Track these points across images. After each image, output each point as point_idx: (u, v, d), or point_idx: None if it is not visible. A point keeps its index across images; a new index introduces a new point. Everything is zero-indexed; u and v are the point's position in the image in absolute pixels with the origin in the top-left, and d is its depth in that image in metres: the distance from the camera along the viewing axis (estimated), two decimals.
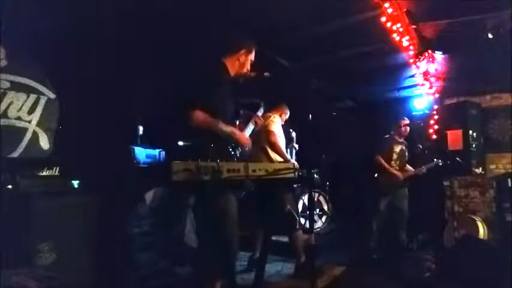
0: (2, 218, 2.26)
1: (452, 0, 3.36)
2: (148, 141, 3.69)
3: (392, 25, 3.59)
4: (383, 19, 3.52)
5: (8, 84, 2.93)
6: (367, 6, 3.39)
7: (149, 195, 3.34)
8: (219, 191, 2.12)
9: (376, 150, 4.59)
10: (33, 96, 3.09)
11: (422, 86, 5.14)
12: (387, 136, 4.73)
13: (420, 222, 4.76)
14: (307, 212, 4.87)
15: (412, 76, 5.26)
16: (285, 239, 3.84)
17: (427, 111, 5.52)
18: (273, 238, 3.69)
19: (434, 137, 5.17)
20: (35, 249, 2.47)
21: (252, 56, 2.61)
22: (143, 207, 3.29)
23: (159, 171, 3.44)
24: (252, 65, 2.63)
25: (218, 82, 2.38)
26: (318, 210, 5.53)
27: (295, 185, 4.58)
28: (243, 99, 2.78)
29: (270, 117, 3.78)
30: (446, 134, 5.01)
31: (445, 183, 5.08)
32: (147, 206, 3.32)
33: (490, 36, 3.82)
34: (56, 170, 2.84)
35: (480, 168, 4.97)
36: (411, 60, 4.60)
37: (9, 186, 2.56)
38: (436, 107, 5.24)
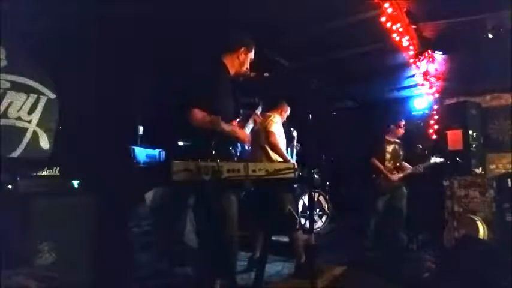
0: (2, 218, 2.26)
1: (452, 0, 3.36)
2: (148, 141, 3.69)
3: (392, 25, 3.60)
4: (383, 19, 3.52)
5: (8, 84, 2.93)
6: (367, 6, 3.40)
7: (149, 195, 3.33)
8: (219, 191, 2.11)
9: (369, 152, 4.60)
10: (33, 96, 3.09)
11: (422, 86, 5.15)
12: (377, 136, 4.71)
13: (420, 222, 4.76)
14: (307, 212, 4.86)
15: (412, 76, 5.28)
16: (285, 239, 3.83)
17: (427, 111, 5.53)
18: (273, 238, 3.68)
19: (434, 137, 5.17)
20: (35, 249, 2.47)
21: (251, 55, 2.60)
22: (143, 207, 3.29)
23: (159, 171, 3.44)
24: (252, 64, 2.62)
25: (218, 81, 2.37)
26: (318, 210, 5.52)
27: (295, 185, 4.58)
28: (241, 98, 2.77)
29: (270, 117, 3.75)
30: (446, 134, 5.00)
31: (445, 183, 5.07)
32: (147, 206, 3.31)
33: (490, 36, 3.82)
34: (56, 170, 2.85)
35: (480, 168, 4.97)
36: (411, 60, 4.61)
37: (9, 186, 2.56)
38: (436, 107, 5.24)
